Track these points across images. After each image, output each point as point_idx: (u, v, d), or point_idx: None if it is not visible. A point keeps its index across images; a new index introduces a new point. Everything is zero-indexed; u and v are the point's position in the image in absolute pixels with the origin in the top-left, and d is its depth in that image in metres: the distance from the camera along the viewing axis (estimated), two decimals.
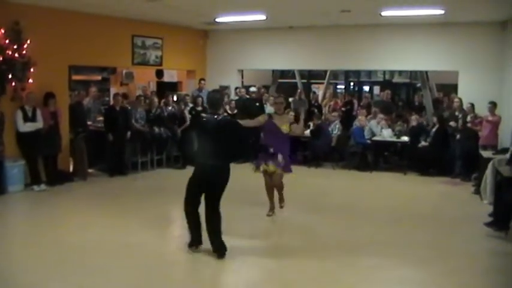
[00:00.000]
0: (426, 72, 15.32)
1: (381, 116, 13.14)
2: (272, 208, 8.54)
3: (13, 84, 9.80)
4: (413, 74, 20.53)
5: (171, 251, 6.96)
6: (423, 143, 12.25)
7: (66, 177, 10.76)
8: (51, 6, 10.33)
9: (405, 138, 12.54)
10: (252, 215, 8.47)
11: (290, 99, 15.92)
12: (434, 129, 12.15)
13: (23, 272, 5.94)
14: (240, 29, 14.42)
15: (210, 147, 6.22)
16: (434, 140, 11.99)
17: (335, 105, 15.09)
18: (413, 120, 12.90)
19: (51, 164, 10.45)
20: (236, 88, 14.89)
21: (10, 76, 9.71)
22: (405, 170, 12.31)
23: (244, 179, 9.02)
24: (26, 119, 9.89)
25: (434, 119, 12.46)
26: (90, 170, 11.52)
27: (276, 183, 8.31)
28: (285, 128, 8.18)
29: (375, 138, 12.66)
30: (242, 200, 8.98)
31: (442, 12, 10.73)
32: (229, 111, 13.39)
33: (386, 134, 12.68)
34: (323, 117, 14.30)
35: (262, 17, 12.05)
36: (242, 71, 16.29)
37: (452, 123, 11.86)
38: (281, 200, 8.63)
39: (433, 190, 10.86)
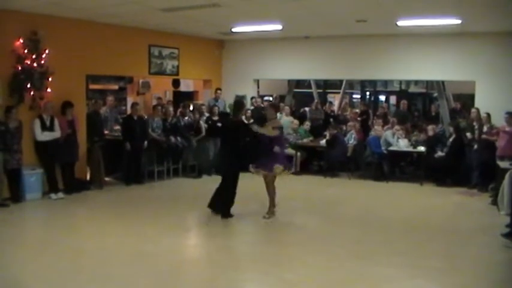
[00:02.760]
0: (443, 82, 15.22)
1: (397, 127, 13.06)
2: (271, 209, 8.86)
3: (31, 93, 9.94)
4: (429, 84, 20.43)
5: (187, 260, 6.98)
6: (440, 153, 12.17)
7: (83, 186, 10.85)
8: (69, 16, 10.44)
9: (421, 148, 12.44)
10: (265, 223, 8.52)
11: (306, 109, 15.93)
12: (451, 139, 12.06)
13: (40, 279, 5.98)
14: (256, 38, 14.48)
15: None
16: (451, 150, 11.90)
17: (354, 116, 14.90)
18: (430, 130, 12.80)
19: (69, 173, 10.54)
20: (252, 98, 14.92)
21: (28, 85, 9.85)
22: (421, 181, 12.19)
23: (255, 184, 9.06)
24: (44, 127, 10.00)
25: (451, 129, 12.37)
26: (106, 179, 11.62)
27: (268, 185, 8.70)
28: (268, 132, 8.60)
29: (391, 148, 12.58)
30: (252, 206, 8.99)
31: (459, 22, 10.66)
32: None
33: (402, 144, 12.58)
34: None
35: (279, 27, 12.07)
36: (258, 80, 16.33)
37: (468, 135, 11.75)
38: (270, 207, 8.78)
39: (449, 201, 10.74)
